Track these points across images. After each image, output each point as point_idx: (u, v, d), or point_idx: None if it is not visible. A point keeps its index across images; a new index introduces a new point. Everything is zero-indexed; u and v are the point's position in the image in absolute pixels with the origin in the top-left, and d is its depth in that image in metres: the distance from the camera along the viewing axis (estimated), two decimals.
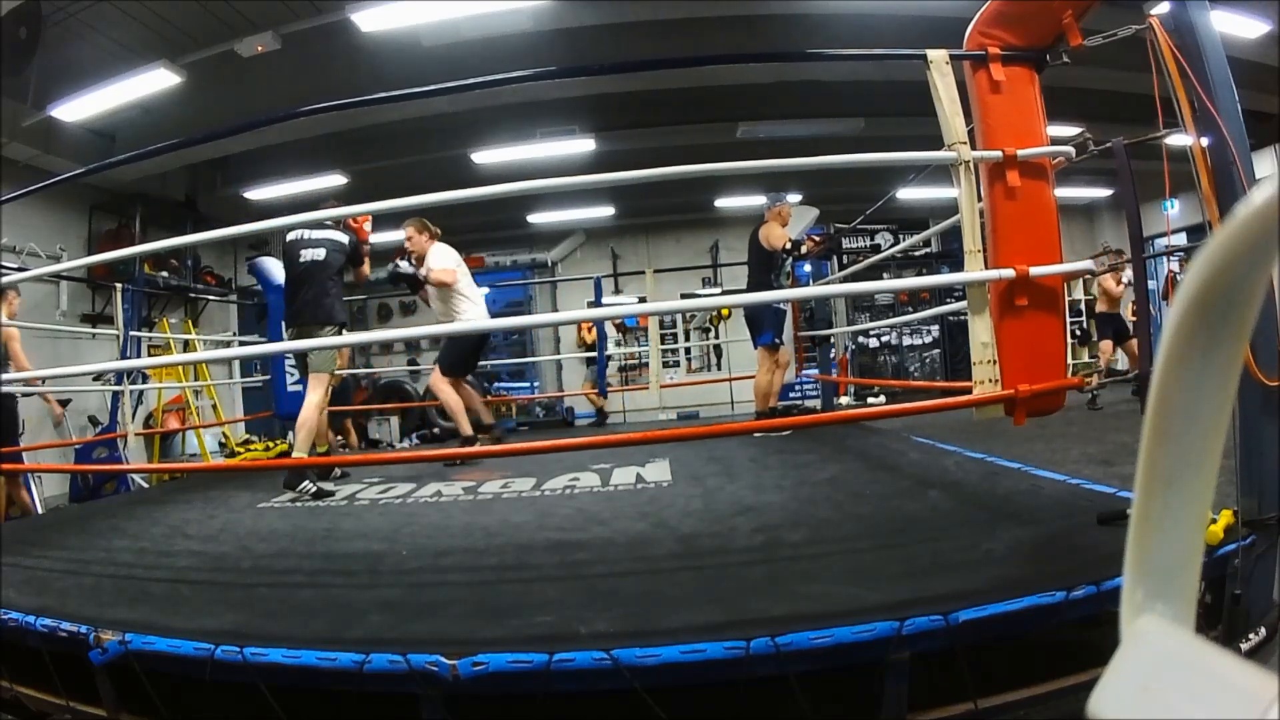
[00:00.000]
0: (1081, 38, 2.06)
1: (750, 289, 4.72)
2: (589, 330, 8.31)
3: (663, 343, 9.57)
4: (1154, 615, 0.38)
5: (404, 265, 4.21)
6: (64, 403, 5.66)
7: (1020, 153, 2.09)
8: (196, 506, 3.41)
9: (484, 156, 7.10)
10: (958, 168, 2.13)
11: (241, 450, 6.21)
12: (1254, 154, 1.93)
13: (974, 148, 2.14)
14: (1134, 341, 6.10)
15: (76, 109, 5.62)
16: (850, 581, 1.70)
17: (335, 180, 7.38)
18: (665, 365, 9.35)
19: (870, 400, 9.36)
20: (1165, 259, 6.15)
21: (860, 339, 10.22)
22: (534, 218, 9.57)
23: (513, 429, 7.77)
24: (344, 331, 3.88)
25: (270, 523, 2.95)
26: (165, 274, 7.50)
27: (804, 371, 8.19)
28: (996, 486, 2.66)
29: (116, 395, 5.72)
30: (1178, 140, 1.96)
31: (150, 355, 6.87)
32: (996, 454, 3.24)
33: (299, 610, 1.82)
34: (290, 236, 3.78)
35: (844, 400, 8.43)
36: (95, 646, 1.60)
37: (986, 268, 2.14)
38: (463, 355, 4.41)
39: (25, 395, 4.86)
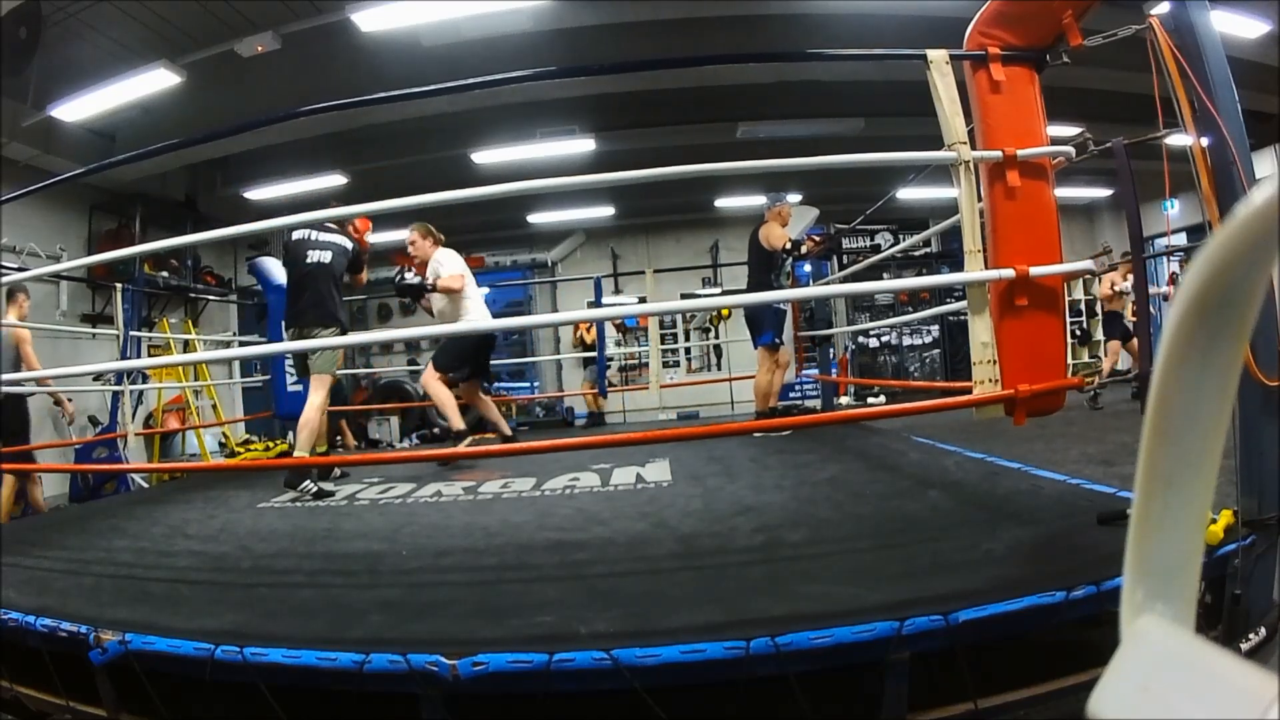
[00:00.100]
0: (1081, 38, 2.06)
1: (750, 289, 4.72)
2: (588, 330, 8.30)
3: (663, 343, 9.57)
4: (1154, 615, 0.38)
5: (409, 277, 4.20)
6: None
7: (1020, 153, 2.09)
8: (196, 506, 3.41)
9: (484, 156, 7.10)
10: (958, 168, 2.13)
11: (241, 450, 6.21)
12: (1254, 154, 1.93)
13: (974, 148, 2.14)
14: (1134, 342, 6.10)
15: (76, 109, 5.61)
16: (850, 581, 1.70)
17: (335, 180, 7.38)
18: (665, 365, 9.36)
19: (870, 400, 9.37)
20: (1165, 259, 6.16)
21: (860, 339, 10.23)
22: (534, 218, 9.57)
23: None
24: (344, 333, 3.87)
25: (270, 523, 2.95)
26: (165, 274, 7.50)
27: (804, 371, 8.19)
28: (996, 486, 2.66)
29: (116, 395, 5.73)
30: (1178, 140, 1.96)
31: (150, 355, 6.87)
32: (996, 454, 3.24)
33: (299, 610, 1.82)
34: (295, 236, 3.76)
35: (844, 400, 8.44)
36: (95, 646, 1.60)
37: (986, 268, 2.13)
38: (461, 354, 4.41)
39: (31, 395, 4.86)
